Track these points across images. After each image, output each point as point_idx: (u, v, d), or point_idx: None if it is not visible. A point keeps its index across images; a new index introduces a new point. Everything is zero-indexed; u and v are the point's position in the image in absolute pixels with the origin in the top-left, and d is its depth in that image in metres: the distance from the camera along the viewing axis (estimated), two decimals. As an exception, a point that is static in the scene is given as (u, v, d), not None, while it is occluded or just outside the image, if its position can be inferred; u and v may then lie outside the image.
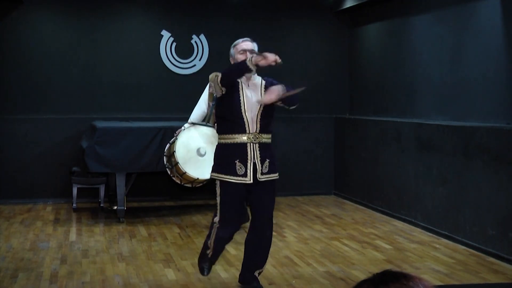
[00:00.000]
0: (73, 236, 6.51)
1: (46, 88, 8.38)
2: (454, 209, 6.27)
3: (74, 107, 8.44)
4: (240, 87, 4.59)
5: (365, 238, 6.45)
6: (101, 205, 7.92)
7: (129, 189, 7.55)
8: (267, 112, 4.61)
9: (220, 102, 4.59)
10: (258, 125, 4.54)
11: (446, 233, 6.37)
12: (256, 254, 4.72)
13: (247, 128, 4.51)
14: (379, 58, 8.50)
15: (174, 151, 6.09)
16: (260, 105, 4.55)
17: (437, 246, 6.13)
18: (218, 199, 4.61)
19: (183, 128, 6.47)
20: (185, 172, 6.09)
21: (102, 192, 7.92)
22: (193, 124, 6.27)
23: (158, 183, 8.50)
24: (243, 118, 4.51)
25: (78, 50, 8.46)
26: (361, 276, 5.12)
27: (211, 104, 6.37)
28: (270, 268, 5.34)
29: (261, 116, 4.56)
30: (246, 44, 4.75)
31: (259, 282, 4.77)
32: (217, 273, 5.19)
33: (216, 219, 4.63)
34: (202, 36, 8.75)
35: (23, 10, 8.28)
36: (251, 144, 4.51)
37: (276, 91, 4.51)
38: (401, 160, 7.33)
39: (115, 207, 7.27)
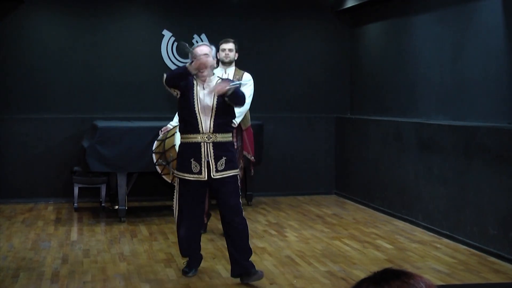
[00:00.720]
0: (74, 235, 6.52)
1: (47, 88, 8.39)
2: (455, 208, 6.27)
3: (75, 106, 8.44)
4: (195, 88, 4.88)
5: (366, 238, 6.46)
6: (102, 204, 7.92)
7: (130, 188, 7.56)
8: (222, 112, 4.86)
9: (179, 103, 4.92)
10: (212, 125, 4.82)
11: (447, 232, 6.37)
12: (236, 243, 4.89)
13: (200, 128, 4.82)
14: (380, 58, 8.49)
15: (175, 145, 6.06)
16: (213, 106, 4.83)
17: (438, 245, 6.13)
18: (176, 196, 4.97)
19: (169, 126, 6.50)
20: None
21: (103, 192, 7.93)
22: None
23: (159, 182, 8.48)
24: (197, 119, 4.82)
25: (79, 49, 8.46)
26: (362, 275, 5.10)
27: None
28: (271, 267, 5.34)
29: (215, 116, 4.83)
30: (200, 49, 5.02)
31: (254, 266, 4.91)
32: (218, 272, 5.20)
33: (175, 217, 4.97)
34: (203, 36, 8.75)
35: (24, 10, 8.29)
36: (205, 143, 4.81)
37: (221, 85, 4.78)
38: (402, 159, 7.33)
39: (116, 207, 7.28)
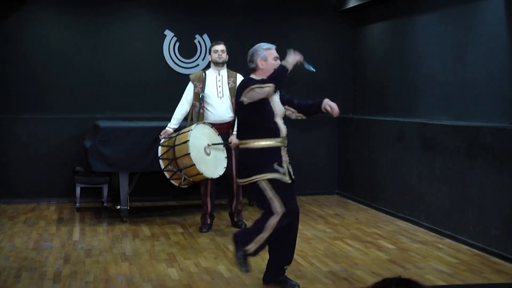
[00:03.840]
0: (76, 235, 6.52)
1: (49, 88, 8.40)
2: (458, 209, 6.26)
3: (78, 106, 8.45)
4: None
5: (368, 238, 6.45)
6: (104, 204, 7.93)
7: (132, 188, 7.56)
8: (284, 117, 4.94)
9: (254, 109, 4.65)
10: (285, 130, 4.80)
11: (450, 233, 6.36)
12: (287, 247, 4.87)
13: (280, 133, 4.76)
14: (383, 57, 8.48)
15: (189, 153, 6.08)
16: (283, 111, 4.89)
17: (441, 246, 6.12)
18: (270, 196, 4.70)
19: (169, 130, 6.53)
20: (201, 173, 6.08)
21: (105, 192, 7.93)
22: (201, 123, 6.37)
23: (161, 183, 8.46)
24: (277, 123, 4.74)
25: (81, 49, 8.47)
26: (364, 276, 5.11)
27: (198, 104, 6.50)
28: (273, 267, 5.33)
29: (283, 121, 4.83)
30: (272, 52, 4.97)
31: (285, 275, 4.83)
32: (220, 272, 5.19)
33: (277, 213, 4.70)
34: (205, 36, 8.76)
35: (27, 10, 8.30)
36: (283, 147, 4.79)
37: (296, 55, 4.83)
38: (405, 160, 7.32)
39: (118, 207, 7.28)
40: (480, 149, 5.93)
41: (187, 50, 8.74)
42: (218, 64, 6.70)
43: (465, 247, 6.03)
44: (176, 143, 6.30)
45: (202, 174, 6.17)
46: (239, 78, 6.60)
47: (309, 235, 6.59)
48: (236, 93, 4.82)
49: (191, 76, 6.86)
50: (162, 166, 6.44)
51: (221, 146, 6.43)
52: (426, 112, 7.37)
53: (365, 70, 8.95)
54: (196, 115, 6.66)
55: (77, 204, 7.77)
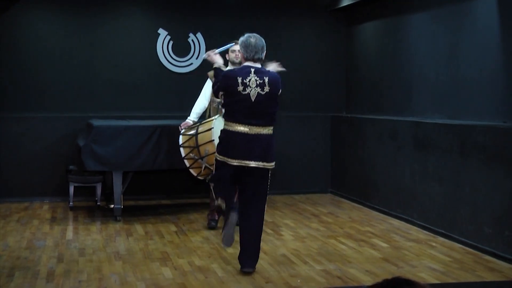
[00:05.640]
0: (69, 234, 6.51)
1: (42, 87, 8.37)
2: (451, 207, 6.28)
3: (71, 105, 8.43)
4: None
5: (361, 237, 6.46)
6: (98, 203, 7.91)
7: (125, 187, 7.55)
8: None
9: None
10: None
11: (443, 231, 6.38)
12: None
13: None
14: (376, 56, 8.50)
15: (212, 140, 6.14)
16: None
17: (434, 244, 6.14)
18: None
19: (189, 122, 6.60)
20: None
21: (98, 191, 7.92)
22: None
23: (155, 181, 8.50)
24: None
25: (74, 48, 8.45)
26: (358, 274, 5.13)
27: (217, 100, 6.54)
28: (266, 266, 5.34)
29: None
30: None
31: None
32: (214, 271, 5.20)
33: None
34: (199, 35, 8.75)
35: (19, 9, 8.26)
36: None
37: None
38: (398, 158, 7.34)
39: (112, 206, 7.27)
40: (473, 147, 5.96)
41: (181, 48, 8.73)
42: (235, 64, 6.71)
43: (458, 245, 6.06)
44: (199, 131, 6.36)
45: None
46: None
47: (303, 233, 6.60)
48: (277, 85, 5.16)
49: (209, 74, 6.88)
50: (183, 154, 6.49)
51: None
52: (419, 110, 7.39)
53: (358, 68, 8.97)
54: (214, 110, 6.73)
55: (71, 203, 7.75)
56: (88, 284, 4.87)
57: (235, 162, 5.03)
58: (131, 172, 7.56)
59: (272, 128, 5.11)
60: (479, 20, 6.35)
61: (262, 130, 5.04)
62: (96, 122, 7.30)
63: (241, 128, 5.01)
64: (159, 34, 8.65)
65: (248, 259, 5.13)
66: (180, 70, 8.73)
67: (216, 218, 6.81)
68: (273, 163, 5.11)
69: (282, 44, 9.03)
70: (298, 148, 9.09)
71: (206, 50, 8.70)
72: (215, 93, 5.42)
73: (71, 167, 7.86)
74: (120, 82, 8.57)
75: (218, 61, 5.49)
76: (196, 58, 8.74)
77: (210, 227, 6.76)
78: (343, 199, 8.66)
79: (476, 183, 5.91)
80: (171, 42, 8.67)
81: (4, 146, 8.19)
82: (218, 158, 5.18)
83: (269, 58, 8.98)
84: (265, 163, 5.05)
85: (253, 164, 5.01)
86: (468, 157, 6.02)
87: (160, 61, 8.67)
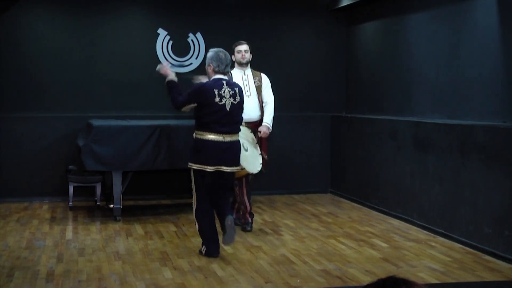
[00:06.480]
0: (69, 234, 6.50)
1: (42, 87, 8.37)
2: (450, 207, 6.28)
3: (71, 105, 8.43)
4: None
5: (361, 236, 6.46)
6: (98, 203, 7.91)
7: (125, 187, 7.55)
8: None
9: None
10: None
11: (442, 231, 6.38)
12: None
13: None
14: (376, 56, 8.50)
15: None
16: None
17: (433, 244, 6.14)
18: None
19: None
20: (243, 168, 6.03)
21: (98, 191, 7.91)
22: None
23: (155, 181, 8.50)
24: None
25: (74, 48, 8.44)
26: (358, 274, 5.12)
27: None
28: (266, 266, 5.34)
29: None
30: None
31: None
32: (213, 271, 5.20)
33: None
34: (198, 34, 8.75)
35: (18, 8, 8.26)
36: None
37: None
38: (398, 158, 7.34)
39: (112, 206, 7.26)
40: (473, 147, 5.95)
41: (181, 48, 8.73)
42: (242, 64, 6.70)
43: (458, 245, 6.06)
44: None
45: (244, 169, 6.09)
46: (264, 77, 6.84)
47: (303, 233, 6.60)
48: (242, 95, 5.63)
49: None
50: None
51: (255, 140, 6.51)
52: (419, 110, 7.39)
53: (358, 68, 8.97)
54: None
55: (70, 203, 7.75)
56: (88, 284, 4.87)
57: (211, 169, 5.45)
58: (131, 172, 7.56)
59: (238, 135, 5.63)
60: (479, 20, 6.35)
61: (232, 137, 5.53)
62: (96, 122, 7.29)
63: (215, 137, 5.43)
64: (158, 34, 8.65)
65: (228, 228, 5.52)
66: (180, 70, 8.71)
67: (250, 221, 6.73)
68: (239, 166, 5.71)
69: (282, 44, 9.03)
70: (298, 148, 9.09)
71: (206, 50, 8.73)
72: (182, 105, 5.57)
73: (70, 167, 7.86)
74: (120, 82, 8.57)
75: (171, 74, 5.73)
76: (196, 58, 8.74)
77: (247, 231, 6.63)
78: (343, 199, 8.66)
79: (476, 183, 5.91)
80: (170, 42, 8.67)
81: (4, 146, 8.19)
82: (194, 167, 5.51)
83: (269, 58, 9.03)
84: (237, 167, 5.65)
85: (228, 169, 5.51)
86: (468, 157, 6.02)
87: (160, 61, 8.66)
